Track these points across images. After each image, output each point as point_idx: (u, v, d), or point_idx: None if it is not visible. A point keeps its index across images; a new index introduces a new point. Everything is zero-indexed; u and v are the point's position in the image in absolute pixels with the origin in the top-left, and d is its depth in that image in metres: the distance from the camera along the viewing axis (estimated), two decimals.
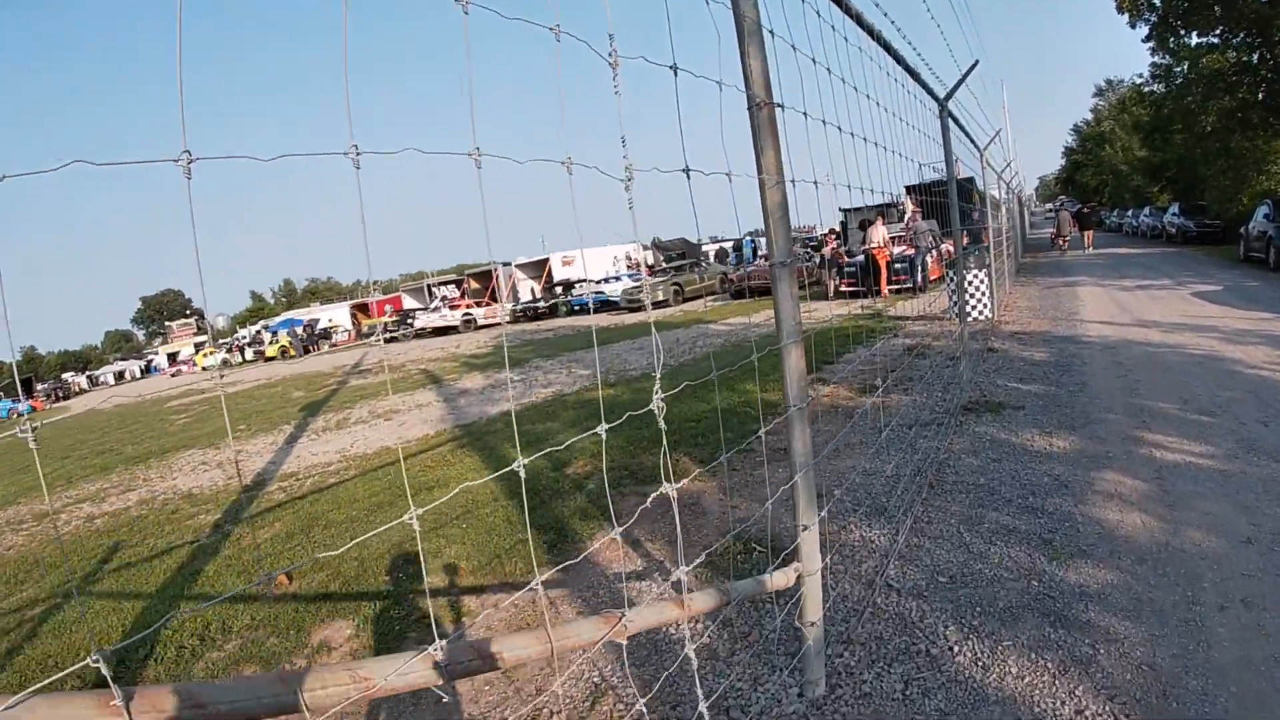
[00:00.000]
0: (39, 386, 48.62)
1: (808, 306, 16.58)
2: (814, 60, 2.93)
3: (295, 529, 5.74)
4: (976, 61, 6.32)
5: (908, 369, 7.92)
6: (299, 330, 39.02)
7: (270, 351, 37.87)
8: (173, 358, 54.98)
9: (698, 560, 2.48)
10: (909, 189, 13.50)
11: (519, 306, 31.85)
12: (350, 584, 4.42)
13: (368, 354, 27.16)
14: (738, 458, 5.75)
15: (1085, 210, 29.30)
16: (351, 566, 4.68)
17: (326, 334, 37.79)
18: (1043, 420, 5.49)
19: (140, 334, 76.10)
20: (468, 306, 31.84)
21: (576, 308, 28.56)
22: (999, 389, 6.54)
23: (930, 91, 6.14)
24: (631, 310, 24.44)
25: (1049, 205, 64.36)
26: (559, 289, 31.02)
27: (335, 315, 43.91)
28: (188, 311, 68.62)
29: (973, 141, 10.57)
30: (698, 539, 4.26)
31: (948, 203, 7.25)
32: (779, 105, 2.39)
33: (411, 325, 31.64)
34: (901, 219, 17.52)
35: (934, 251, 15.93)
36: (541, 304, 30.75)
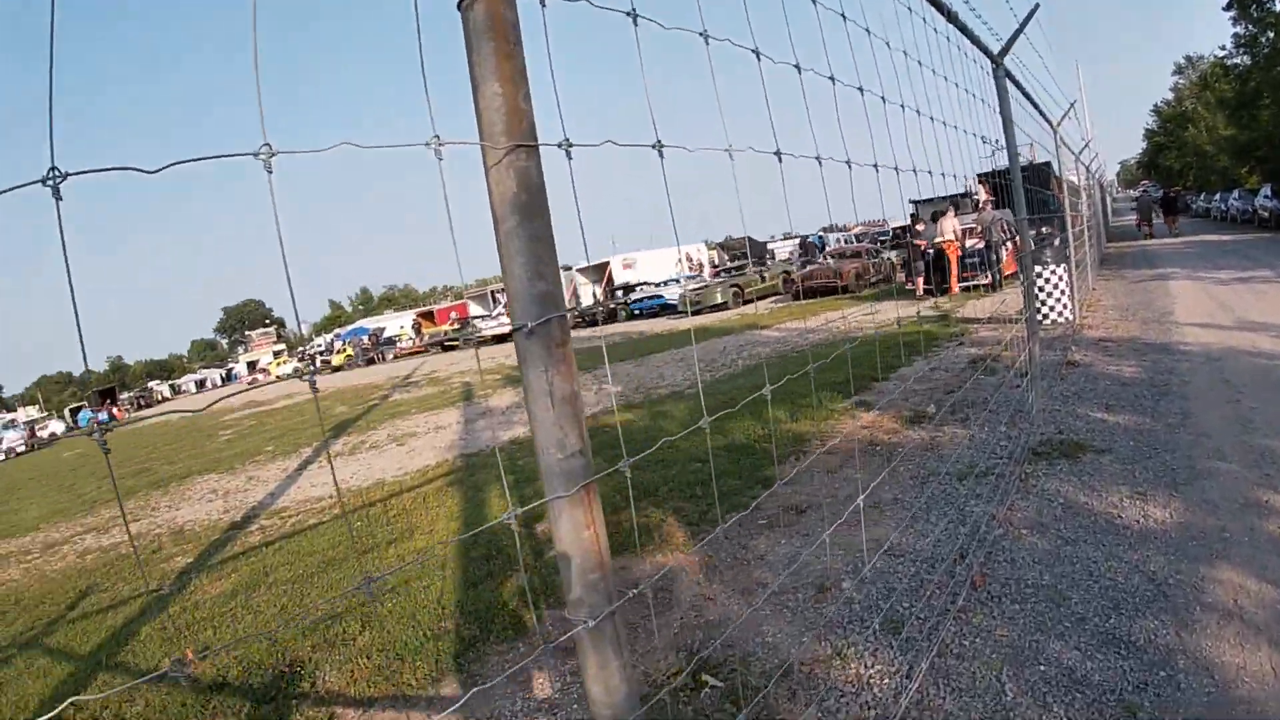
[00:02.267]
0: (123, 396, 50.72)
1: (867, 308, 15.22)
2: (844, 16, 2.56)
3: (243, 585, 5.22)
4: (1037, 5, 5.05)
5: (970, 390, 6.62)
6: (363, 340, 39.33)
7: (336, 361, 38.31)
8: (252, 366, 56.60)
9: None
10: (981, 177, 12.04)
11: (577, 312, 31.07)
12: (250, 671, 3.74)
13: (423, 364, 26.89)
14: (737, 516, 4.64)
15: (1171, 195, 27.92)
16: (259, 649, 3.97)
17: (390, 342, 37.88)
18: (1134, 472, 4.18)
19: (224, 342, 79.00)
20: None
21: (636, 312, 27.58)
22: (1079, 421, 5.20)
23: (983, 47, 4.96)
24: (691, 314, 23.33)
25: (1131, 191, 60.32)
26: (619, 293, 30.09)
27: (405, 323, 44.17)
28: (267, 321, 70.71)
29: (1044, 116, 9.10)
30: (648, 650, 3.19)
31: (1031, 190, 6.02)
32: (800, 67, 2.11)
33: (474, 332, 31.28)
34: (975, 210, 15.96)
35: (1009, 243, 14.30)
36: (599, 310, 29.87)
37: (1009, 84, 5.54)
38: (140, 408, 46.22)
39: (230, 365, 60.97)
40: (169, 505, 9.40)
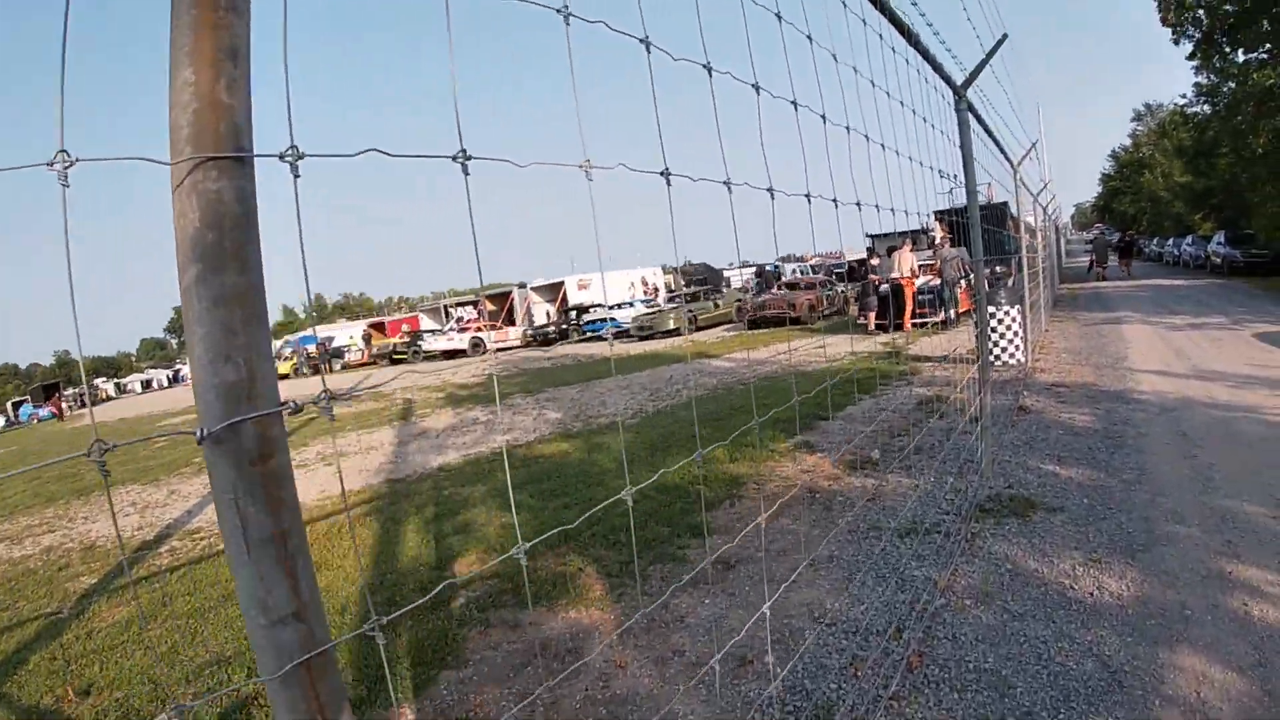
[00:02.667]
0: (68, 392, 48.65)
1: (818, 342, 15.04)
2: (809, 38, 2.59)
3: (163, 602, 4.95)
4: (1004, 36, 4.84)
5: (919, 434, 6.34)
6: (309, 349, 38.27)
7: (282, 369, 37.13)
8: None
9: None
10: (938, 214, 11.96)
11: (529, 331, 30.64)
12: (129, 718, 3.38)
13: (368, 378, 26.09)
14: (661, 569, 4.23)
15: (1127, 239, 29.16)
16: (141, 693, 3.61)
17: (339, 353, 36.81)
18: (1088, 534, 3.87)
19: (174, 342, 76.24)
20: (477, 329, 30.69)
21: (589, 333, 27.19)
22: (1030, 474, 4.91)
23: (947, 79, 4.78)
24: (642, 339, 22.98)
25: (1085, 234, 62.03)
26: (573, 313, 29.72)
27: (355, 333, 43.17)
28: None
29: (1005, 155, 8.98)
30: None
31: (989, 229, 5.80)
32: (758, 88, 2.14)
33: (420, 347, 30.65)
34: (930, 247, 15.96)
35: (963, 281, 14.25)
36: (551, 330, 29.44)
37: (971, 117, 5.31)
38: (82, 406, 44.14)
39: (179, 366, 58.81)
40: (86, 517, 8.87)
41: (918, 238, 15.16)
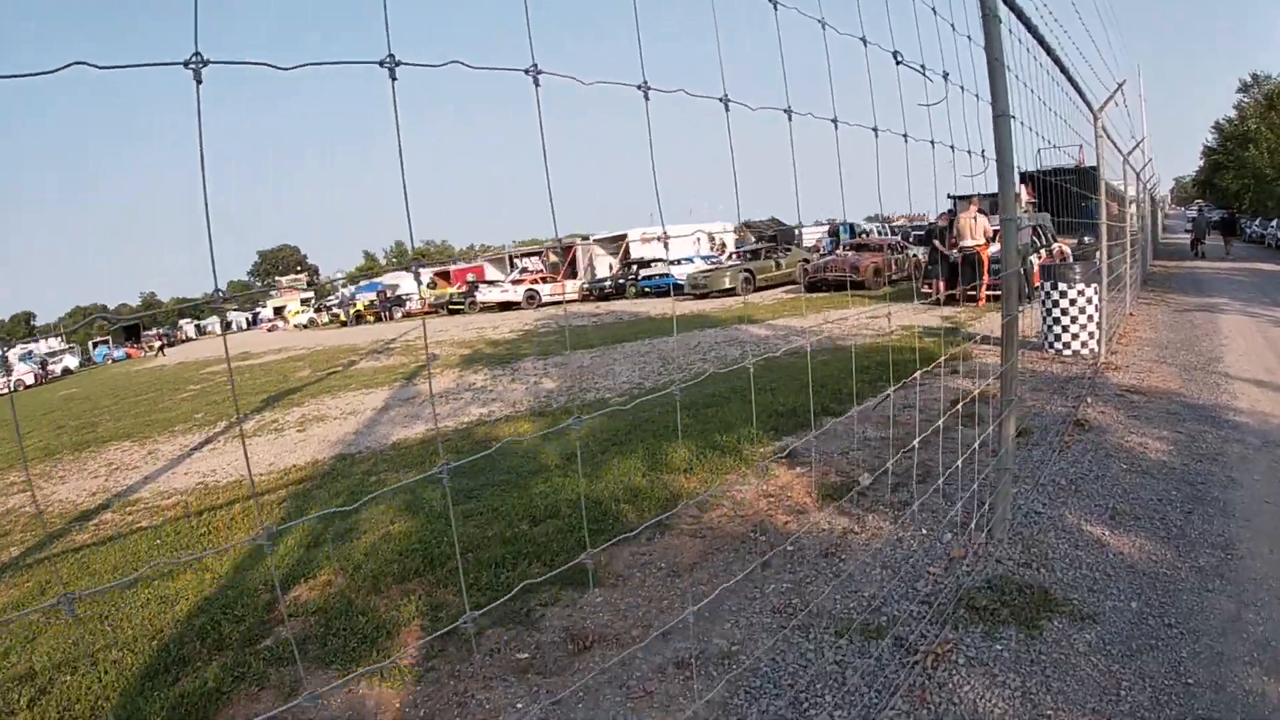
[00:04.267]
0: (149, 333, 50.49)
1: (876, 310, 13.33)
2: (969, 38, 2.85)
3: (40, 591, 4.60)
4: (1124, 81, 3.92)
5: (933, 449, 4.88)
6: (365, 298, 38.41)
7: (343, 316, 37.45)
8: (278, 311, 56.23)
9: None
10: (1023, 175, 10.36)
11: (586, 285, 29.52)
12: None
13: (416, 328, 25.60)
14: (500, 635, 3.04)
15: (1230, 216, 28.11)
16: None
17: (400, 301, 36.64)
18: (1123, 679, 2.38)
19: (257, 285, 78.61)
20: (532, 282, 29.78)
21: (646, 289, 25.84)
22: (1064, 541, 3.37)
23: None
24: (696, 297, 21.50)
25: (1184, 209, 56.61)
26: (631, 268, 28.45)
27: (422, 281, 43.17)
28: (299, 267, 70.09)
29: (1085, 99, 7.22)
30: None
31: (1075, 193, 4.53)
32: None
33: (475, 298, 30.11)
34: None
35: (1041, 251, 12.28)
36: (608, 284, 28.19)
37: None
38: (167, 346, 45.81)
39: (257, 309, 60.58)
40: (62, 476, 8.63)
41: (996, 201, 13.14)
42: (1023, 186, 12.58)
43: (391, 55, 1.11)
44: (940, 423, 3.41)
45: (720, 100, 1.60)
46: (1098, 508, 3.64)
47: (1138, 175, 16.41)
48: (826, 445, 5.22)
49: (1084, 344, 7.46)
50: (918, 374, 4.18)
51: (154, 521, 5.94)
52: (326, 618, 3.48)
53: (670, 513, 3.97)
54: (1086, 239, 11.72)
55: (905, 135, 2.56)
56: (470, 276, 39.52)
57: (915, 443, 3.89)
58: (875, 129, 2.31)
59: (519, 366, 11.79)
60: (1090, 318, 7.39)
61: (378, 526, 4.79)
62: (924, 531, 3.55)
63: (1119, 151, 12.97)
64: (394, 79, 1.11)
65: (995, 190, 3.57)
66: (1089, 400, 5.67)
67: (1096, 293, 7.36)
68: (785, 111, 1.83)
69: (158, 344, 43.48)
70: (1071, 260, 12.05)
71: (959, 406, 4.40)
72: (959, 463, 3.58)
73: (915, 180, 2.84)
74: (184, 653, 3.34)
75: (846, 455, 4.96)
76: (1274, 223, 28.02)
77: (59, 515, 6.70)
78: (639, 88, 1.41)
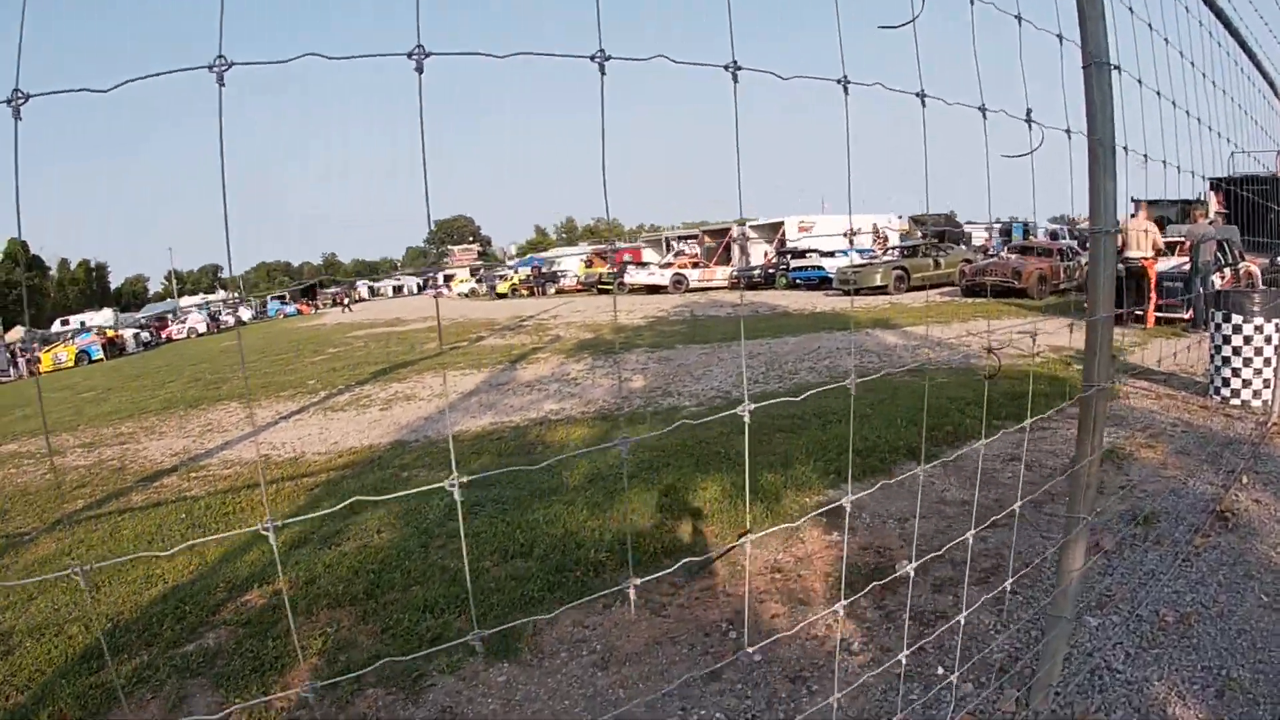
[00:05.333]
0: (328, 292, 54.77)
1: (1032, 323, 11.59)
2: (1149, 26, 2.68)
3: (39, 562, 4.68)
4: None
5: (1020, 529, 3.80)
6: (523, 272, 39.32)
7: (500, 288, 38.60)
8: (448, 279, 59.39)
9: None
10: (1214, 183, 8.81)
11: (735, 273, 28.50)
12: None
13: (562, 306, 25.78)
14: (461, 657, 2.50)
15: None
16: None
17: (554, 277, 37.27)
18: None
19: (433, 251, 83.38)
20: (680, 266, 29.14)
21: (797, 281, 24.51)
22: None
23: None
24: (846, 293, 20.01)
25: None
26: (786, 257, 27.18)
27: (581, 258, 44.11)
28: (471, 238, 73.48)
29: (1269, 82, 5.67)
30: None
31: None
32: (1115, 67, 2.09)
33: (623, 280, 30.00)
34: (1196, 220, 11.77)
35: (1226, 270, 10.13)
36: (757, 273, 27.01)
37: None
38: (338, 304, 49.56)
39: (427, 275, 64.39)
40: (162, 432, 9.14)
41: (1191, 209, 11.03)
42: (1212, 194, 10.57)
43: (601, 50, 1.20)
44: (1018, 506, 2.40)
45: (916, 95, 1.69)
46: (1206, 671, 2.49)
47: None
48: (887, 504, 4.23)
49: (1257, 394, 5.86)
50: (1027, 423, 3.15)
51: (204, 490, 6.05)
52: (247, 633, 3.30)
53: (643, 579, 3.23)
54: (1279, 259, 9.63)
55: (1067, 131, 2.26)
56: (626, 257, 39.60)
57: (969, 535, 2.88)
58: (1068, 130, 2.17)
59: (624, 358, 11.25)
60: (1268, 361, 5.78)
61: (364, 535, 4.43)
62: (939, 670, 2.60)
63: None
64: (603, 73, 1.21)
65: (1188, 196, 2.90)
66: (1245, 480, 4.24)
67: (1279, 330, 5.75)
68: (979, 110, 1.88)
69: (345, 301, 46.83)
70: (1261, 283, 9.86)
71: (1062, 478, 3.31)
72: (1032, 565, 2.58)
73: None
74: (123, 641, 3.31)
75: (904, 524, 3.96)
76: None
77: (134, 474, 6.96)
78: (838, 82, 1.48)
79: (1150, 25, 2.77)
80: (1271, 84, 5.00)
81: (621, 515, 4.22)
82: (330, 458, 6.71)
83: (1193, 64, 3.35)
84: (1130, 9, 2.63)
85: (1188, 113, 3.28)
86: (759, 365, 9.54)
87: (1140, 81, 2.61)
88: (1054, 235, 24.69)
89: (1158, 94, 2.84)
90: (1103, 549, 3.37)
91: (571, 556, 3.71)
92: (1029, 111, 2.07)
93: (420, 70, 1.10)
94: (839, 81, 1.49)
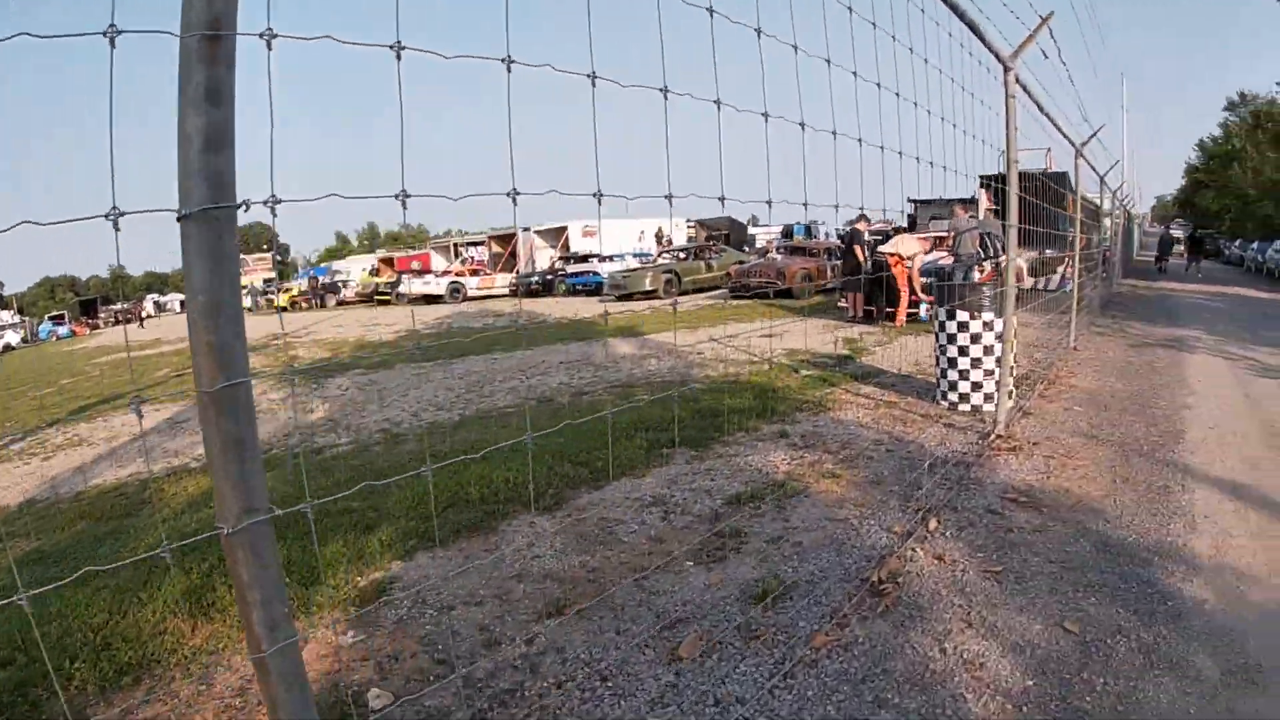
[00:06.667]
0: (112, 308, 48.72)
1: (785, 325, 11.33)
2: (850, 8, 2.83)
3: None
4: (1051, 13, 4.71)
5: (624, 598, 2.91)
6: (300, 284, 36.39)
7: (279, 301, 35.25)
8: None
9: None
10: (984, 180, 8.84)
11: (514, 280, 27.65)
12: None
13: (327, 320, 23.48)
14: None
15: (1198, 235, 27.69)
16: None
17: (334, 288, 34.34)
18: None
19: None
20: (459, 274, 27.71)
21: (576, 287, 23.89)
22: None
23: (994, 51, 4.56)
24: (618, 299, 19.48)
25: (1161, 227, 55.32)
26: (562, 263, 26.71)
27: (368, 266, 41.63)
28: (266, 246, 67.01)
29: (1067, 138, 5.65)
30: None
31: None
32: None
33: (399, 290, 28.31)
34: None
35: (985, 263, 10.35)
36: (535, 280, 26.21)
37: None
38: (120, 323, 43.79)
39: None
40: None
41: (967, 206, 11.21)
42: (983, 192, 10.74)
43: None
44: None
45: (713, 102, 2.02)
46: None
47: (1111, 190, 14.80)
48: (459, 583, 3.14)
49: (989, 397, 5.49)
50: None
51: None
52: None
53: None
54: (1048, 251, 9.92)
55: (860, 139, 2.92)
56: (415, 264, 37.67)
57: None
58: (833, 132, 2.69)
59: (331, 382, 9.71)
60: (983, 363, 5.43)
61: None
62: None
63: (1095, 172, 11.36)
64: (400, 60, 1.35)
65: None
66: (934, 524, 3.52)
67: (995, 333, 5.41)
68: (714, 102, 2.14)
69: (142, 315, 41.41)
70: (1027, 276, 10.06)
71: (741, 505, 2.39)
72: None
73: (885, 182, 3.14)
74: None
75: (451, 613, 2.88)
76: (1254, 245, 26.32)
77: None
78: (587, 76, 1.68)
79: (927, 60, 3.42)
80: (997, 55, 4.62)
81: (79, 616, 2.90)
82: None
83: (952, 79, 4.00)
84: (893, 36, 3.13)
85: (954, 125, 4.07)
86: (462, 387, 8.38)
87: (916, 105, 3.18)
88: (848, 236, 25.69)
89: (942, 119, 3.54)
90: (681, 658, 2.45)
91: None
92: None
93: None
94: (503, 61, 1.53)
